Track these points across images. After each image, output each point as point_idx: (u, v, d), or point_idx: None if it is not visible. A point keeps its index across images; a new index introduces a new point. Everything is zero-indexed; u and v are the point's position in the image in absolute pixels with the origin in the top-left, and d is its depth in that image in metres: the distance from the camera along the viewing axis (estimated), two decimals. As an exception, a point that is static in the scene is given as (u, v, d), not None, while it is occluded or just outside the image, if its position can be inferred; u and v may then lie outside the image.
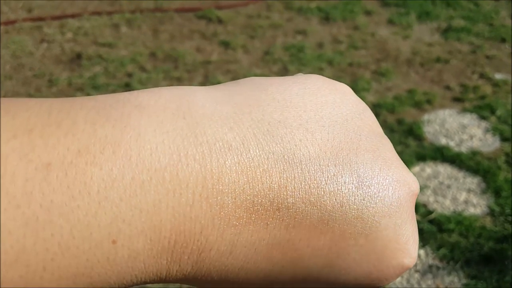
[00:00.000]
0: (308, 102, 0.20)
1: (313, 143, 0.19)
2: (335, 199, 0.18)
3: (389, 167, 0.20)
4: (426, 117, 1.94)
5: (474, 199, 1.58)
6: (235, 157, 0.17)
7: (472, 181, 1.64)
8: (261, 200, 0.17)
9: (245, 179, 0.17)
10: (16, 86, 2.05)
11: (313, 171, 0.18)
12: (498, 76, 2.19)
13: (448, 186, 1.62)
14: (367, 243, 0.19)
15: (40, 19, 2.53)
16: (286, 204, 0.18)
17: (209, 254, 0.17)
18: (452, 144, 1.80)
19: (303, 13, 2.68)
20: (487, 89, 2.10)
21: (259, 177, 0.17)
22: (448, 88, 2.12)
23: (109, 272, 0.16)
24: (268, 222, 0.18)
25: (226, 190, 0.17)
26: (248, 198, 0.17)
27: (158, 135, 0.17)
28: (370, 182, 0.19)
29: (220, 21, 2.56)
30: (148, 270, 0.17)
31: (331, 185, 0.18)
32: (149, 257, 0.16)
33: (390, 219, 0.19)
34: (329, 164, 0.19)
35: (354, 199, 0.19)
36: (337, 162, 0.19)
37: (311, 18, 2.64)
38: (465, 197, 1.59)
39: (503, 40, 2.47)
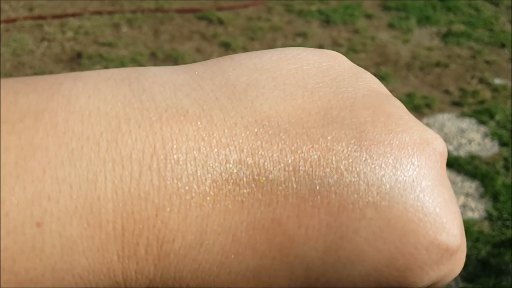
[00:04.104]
0: (285, 66, 0.16)
1: (292, 104, 0.15)
2: (326, 163, 0.14)
3: (396, 124, 0.15)
4: (425, 121, 1.95)
5: (472, 203, 1.58)
6: (193, 123, 0.14)
7: (470, 186, 1.65)
8: (230, 172, 0.14)
9: (208, 148, 0.14)
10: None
11: (294, 135, 0.14)
12: (497, 81, 2.20)
13: (446, 190, 1.63)
14: (377, 216, 0.14)
15: (41, 17, 2.53)
16: (263, 174, 0.14)
17: (173, 246, 0.13)
18: (450, 148, 1.80)
19: (304, 15, 2.69)
20: (486, 94, 2.11)
21: (226, 145, 0.14)
22: (447, 92, 2.13)
23: (39, 267, 0.12)
24: (243, 199, 0.14)
25: (184, 161, 0.13)
26: (214, 170, 0.14)
27: (92, 101, 0.14)
28: (372, 140, 0.15)
29: (220, 22, 2.57)
30: (95, 268, 0.13)
31: (318, 148, 0.14)
32: (92, 250, 0.13)
33: (406, 183, 0.15)
34: (316, 125, 0.15)
35: (352, 160, 0.14)
36: (325, 122, 0.15)
37: (311, 21, 2.65)
38: (463, 201, 1.59)
39: (503, 46, 2.48)
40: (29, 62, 2.21)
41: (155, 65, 2.20)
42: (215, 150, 0.14)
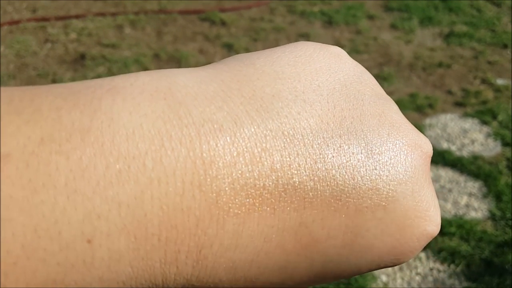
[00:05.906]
0: (301, 72, 0.18)
1: (313, 114, 0.17)
2: (345, 172, 0.17)
3: (397, 131, 0.18)
4: (427, 121, 1.95)
5: (475, 203, 1.58)
6: (228, 138, 0.15)
7: (473, 185, 1.65)
8: (263, 183, 0.15)
9: (243, 161, 0.15)
10: (20, 86, 2.06)
11: (317, 145, 0.16)
12: (499, 81, 2.20)
13: (450, 190, 1.63)
14: (386, 215, 0.17)
15: (44, 19, 2.54)
16: (292, 184, 0.16)
17: (211, 250, 0.15)
18: (453, 148, 1.81)
19: (306, 16, 2.70)
20: (489, 94, 2.11)
21: (258, 157, 0.15)
22: (450, 92, 2.13)
23: (88, 278, 0.14)
24: (275, 207, 0.16)
25: (222, 175, 0.15)
26: (249, 182, 0.15)
27: (135, 118, 0.14)
28: (380, 149, 0.17)
29: (223, 23, 2.58)
30: (138, 275, 0.14)
31: (339, 158, 0.17)
32: (137, 259, 0.14)
33: (407, 186, 0.18)
34: (334, 135, 0.17)
35: (366, 170, 0.17)
36: (341, 132, 0.17)
37: (314, 22, 2.65)
38: (466, 201, 1.59)
39: (505, 46, 2.48)
40: (32, 63, 2.22)
41: (158, 66, 2.21)
42: (249, 164, 0.15)
